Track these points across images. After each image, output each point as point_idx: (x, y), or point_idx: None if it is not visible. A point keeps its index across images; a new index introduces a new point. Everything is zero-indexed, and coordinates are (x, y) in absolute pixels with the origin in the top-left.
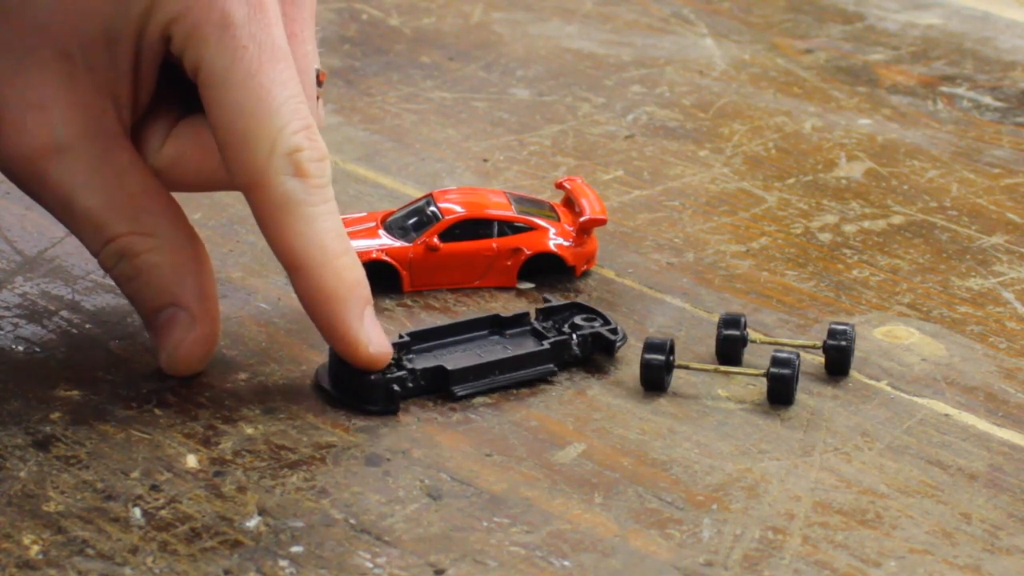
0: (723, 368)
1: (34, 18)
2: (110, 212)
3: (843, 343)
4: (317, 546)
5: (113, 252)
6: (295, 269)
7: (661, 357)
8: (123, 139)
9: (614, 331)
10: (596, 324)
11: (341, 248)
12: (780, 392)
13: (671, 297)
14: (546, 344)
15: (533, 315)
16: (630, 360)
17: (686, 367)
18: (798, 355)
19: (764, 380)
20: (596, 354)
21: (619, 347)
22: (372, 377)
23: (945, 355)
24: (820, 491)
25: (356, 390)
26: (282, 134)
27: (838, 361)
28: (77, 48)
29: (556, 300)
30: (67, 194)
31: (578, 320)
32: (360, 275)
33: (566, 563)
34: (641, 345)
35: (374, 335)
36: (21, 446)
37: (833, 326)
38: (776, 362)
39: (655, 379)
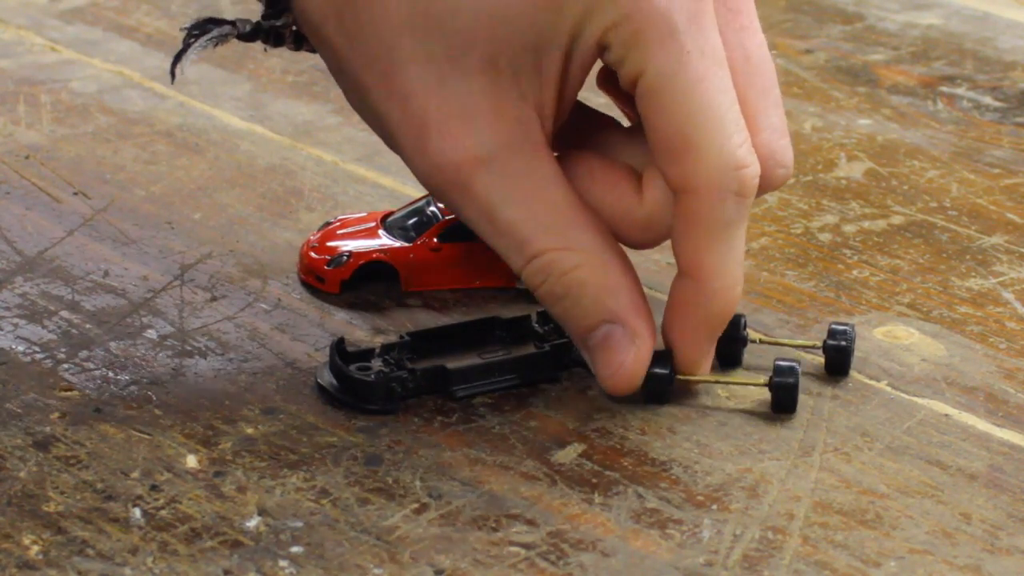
0: (724, 379)
1: (461, 27)
2: (535, 226)
3: (843, 343)
4: (317, 546)
5: (539, 269)
6: (692, 279)
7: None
8: (546, 150)
9: None
10: None
11: (740, 277)
12: (784, 401)
13: None
14: (547, 347)
15: (534, 318)
16: None
17: (686, 380)
18: (799, 362)
19: (766, 390)
20: None
21: None
22: (372, 377)
23: (945, 355)
24: (820, 491)
25: (356, 390)
26: (728, 145)
27: (838, 361)
28: (504, 57)
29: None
30: (491, 206)
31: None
32: (734, 309)
33: (566, 563)
34: None
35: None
36: (21, 446)
37: (833, 326)
38: (779, 371)
39: (658, 392)
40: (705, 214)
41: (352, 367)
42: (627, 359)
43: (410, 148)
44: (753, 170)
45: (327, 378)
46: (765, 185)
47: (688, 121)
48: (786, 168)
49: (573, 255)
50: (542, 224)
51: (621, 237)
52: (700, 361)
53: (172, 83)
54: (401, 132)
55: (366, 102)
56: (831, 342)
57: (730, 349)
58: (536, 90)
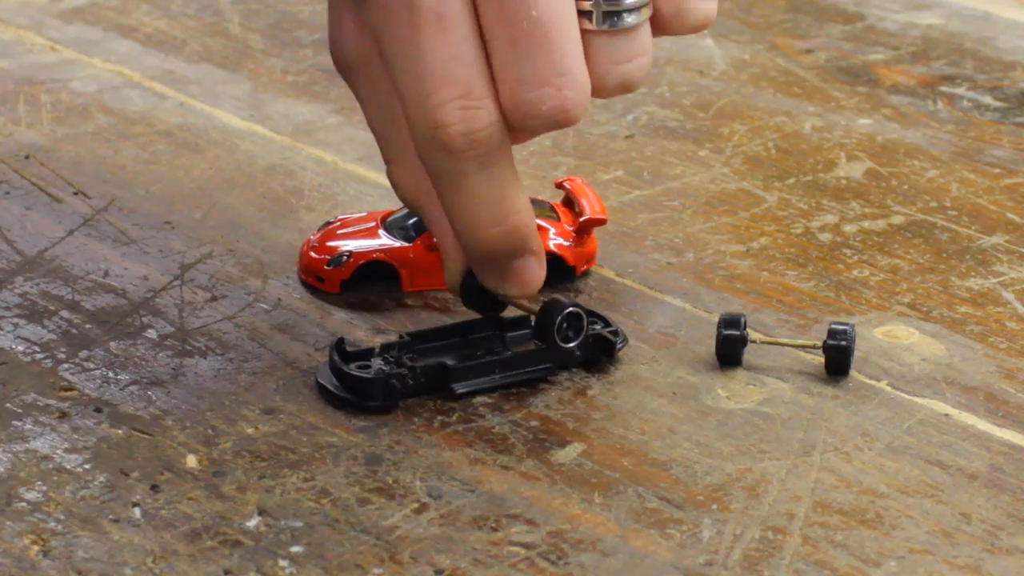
0: (782, 341)
1: None
2: (381, 136)
3: (843, 343)
4: (317, 546)
5: (388, 175)
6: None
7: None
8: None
9: (615, 333)
10: (597, 326)
11: (482, 220)
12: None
13: (671, 297)
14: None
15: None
16: (630, 360)
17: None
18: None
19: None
20: (597, 356)
21: (620, 349)
22: (371, 374)
23: (945, 355)
24: (820, 491)
25: (356, 387)
26: (425, 104)
27: (838, 361)
28: None
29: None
30: (362, 106)
31: (557, 296)
32: (489, 248)
33: (566, 563)
34: (643, 345)
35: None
36: (21, 447)
37: (833, 326)
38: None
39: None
40: (426, 165)
41: (352, 365)
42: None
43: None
44: (458, 128)
45: (327, 377)
46: (523, 133)
47: (396, 81)
48: (541, 118)
49: (400, 169)
50: (385, 135)
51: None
52: (494, 283)
53: None
54: None
55: None
56: (831, 342)
57: (730, 348)
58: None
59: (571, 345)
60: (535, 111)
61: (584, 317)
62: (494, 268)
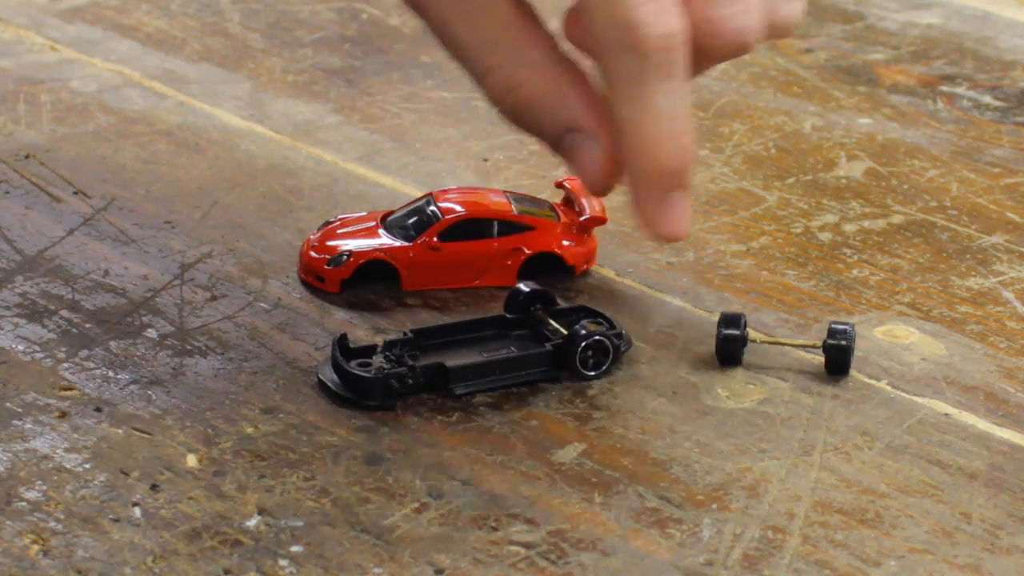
0: (782, 341)
1: None
2: (482, 44)
3: (843, 343)
4: (317, 546)
5: (492, 85)
6: (619, 132)
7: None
8: None
9: (619, 335)
10: (603, 327)
11: (665, 134)
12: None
13: (671, 297)
14: (548, 347)
15: (536, 317)
16: (631, 360)
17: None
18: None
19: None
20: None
21: (623, 352)
22: (371, 373)
23: (945, 355)
24: (820, 491)
25: (355, 386)
26: (621, 2)
27: (838, 360)
28: None
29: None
30: (443, 25)
31: (584, 323)
32: (665, 166)
33: (566, 563)
34: (643, 345)
35: None
36: (21, 447)
37: (833, 325)
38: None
39: (732, 352)
40: (606, 69)
41: (353, 363)
42: (592, 159)
43: None
44: (654, 29)
45: (328, 374)
46: (706, 56)
47: None
48: (724, 39)
49: (520, 71)
50: (489, 42)
51: None
52: (649, 213)
53: None
54: None
55: None
56: (831, 341)
57: (730, 348)
58: None
59: (592, 373)
60: (723, 28)
61: (611, 351)
62: (657, 193)
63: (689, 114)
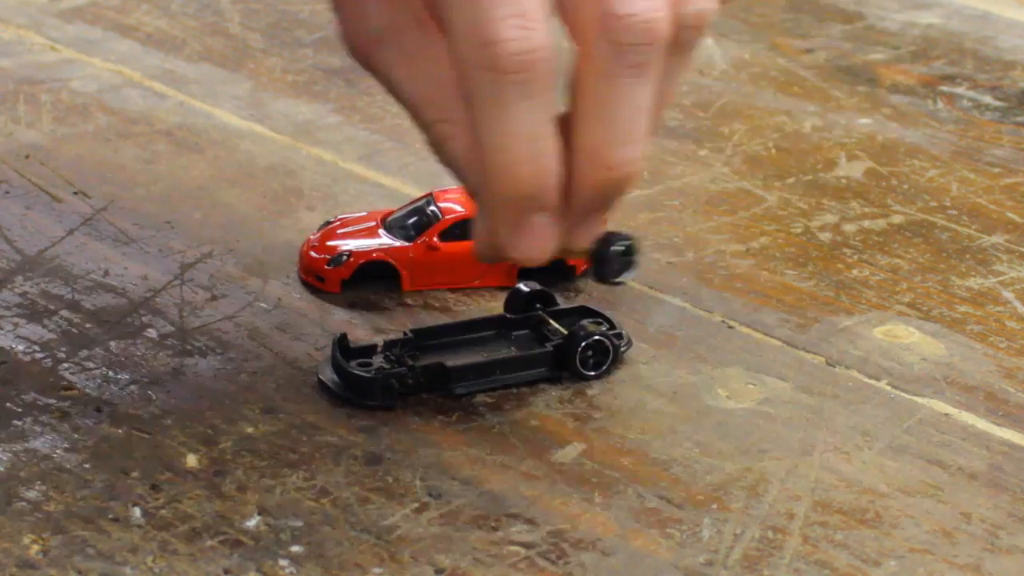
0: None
1: None
2: (423, 99)
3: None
4: (317, 546)
5: (430, 138)
6: None
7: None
8: (433, 27)
9: (619, 336)
10: (603, 327)
11: (527, 154)
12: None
13: (671, 297)
14: (549, 347)
15: (537, 317)
16: (630, 360)
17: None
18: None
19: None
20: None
21: (623, 352)
22: (371, 373)
23: (945, 354)
24: (820, 491)
25: (355, 386)
26: (480, 17)
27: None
28: None
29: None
30: (390, 81)
31: (584, 323)
32: (523, 187)
33: (566, 563)
34: (643, 345)
35: None
36: (21, 447)
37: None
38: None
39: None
40: (467, 91)
41: (353, 363)
42: (486, 228)
43: (337, 31)
44: (511, 46)
45: (328, 374)
46: (609, 56)
47: (449, 10)
48: (632, 28)
49: (451, 127)
50: (428, 97)
51: None
52: (506, 235)
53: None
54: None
55: None
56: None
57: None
58: None
59: (592, 373)
60: (625, 18)
61: (611, 351)
62: (513, 217)
63: (551, 130)
